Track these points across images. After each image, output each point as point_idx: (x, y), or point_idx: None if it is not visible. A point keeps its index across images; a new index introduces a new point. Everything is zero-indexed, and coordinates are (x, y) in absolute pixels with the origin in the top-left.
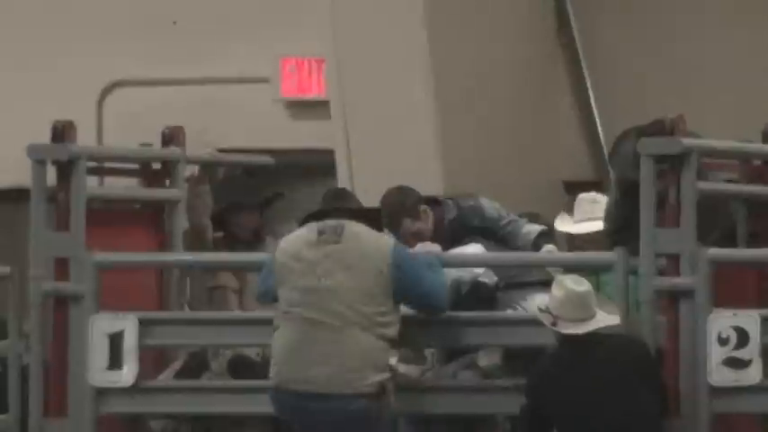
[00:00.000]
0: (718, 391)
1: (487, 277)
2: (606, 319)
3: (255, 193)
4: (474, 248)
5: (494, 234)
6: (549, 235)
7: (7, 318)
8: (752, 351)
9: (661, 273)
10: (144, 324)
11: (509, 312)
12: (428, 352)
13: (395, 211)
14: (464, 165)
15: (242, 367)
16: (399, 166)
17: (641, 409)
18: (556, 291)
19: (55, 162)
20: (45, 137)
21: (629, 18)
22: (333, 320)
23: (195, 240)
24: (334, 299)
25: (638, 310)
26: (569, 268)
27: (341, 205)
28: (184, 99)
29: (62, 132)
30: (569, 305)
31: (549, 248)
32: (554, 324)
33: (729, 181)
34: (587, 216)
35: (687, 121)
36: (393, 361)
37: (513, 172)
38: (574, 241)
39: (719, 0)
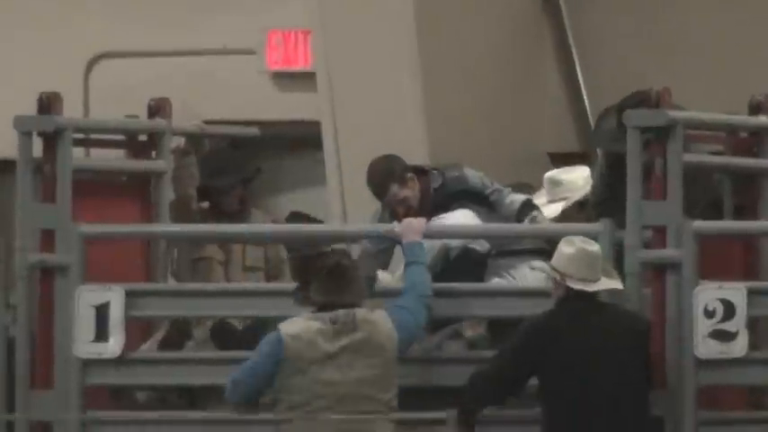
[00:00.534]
0: (704, 364)
1: (478, 244)
2: (610, 283)
3: (240, 166)
4: (462, 214)
5: (485, 200)
6: (532, 205)
7: None
8: (738, 323)
9: (647, 245)
10: (130, 296)
11: (495, 282)
12: None
13: (382, 178)
14: (449, 136)
15: (225, 334)
16: (385, 137)
17: (633, 381)
18: (566, 248)
19: (41, 134)
20: (31, 109)
21: None
22: (362, 413)
23: (181, 212)
24: (360, 390)
25: (624, 283)
26: (555, 239)
27: (343, 293)
28: (171, 71)
29: (48, 104)
30: (579, 263)
31: (534, 216)
32: (561, 281)
33: (715, 153)
34: (550, 198)
35: (672, 94)
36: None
37: (497, 143)
38: None
39: None
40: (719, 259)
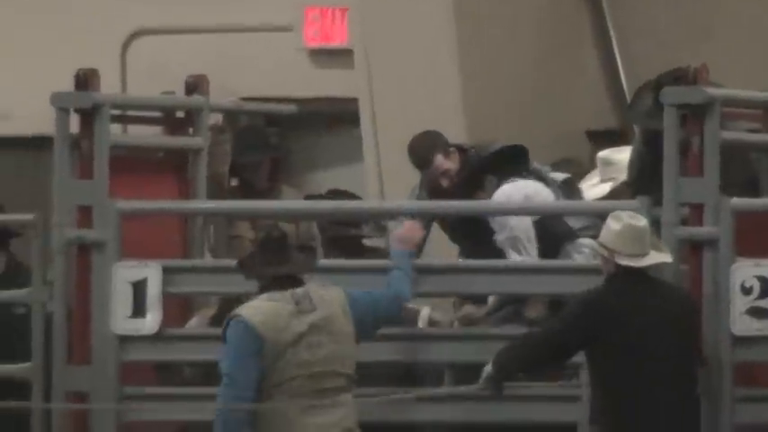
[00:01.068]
0: (740, 341)
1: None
2: (659, 256)
3: (266, 143)
4: (524, 184)
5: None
6: (570, 183)
7: (31, 265)
8: None
9: (683, 222)
10: (167, 272)
11: (552, 261)
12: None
13: (427, 150)
14: (487, 114)
15: None
16: (423, 114)
17: (688, 357)
18: (613, 224)
19: (78, 110)
20: (68, 86)
21: None
22: (330, 388)
23: (214, 189)
24: (326, 367)
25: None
26: (592, 216)
27: (281, 264)
28: (208, 48)
29: (85, 80)
30: (626, 238)
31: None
32: (610, 257)
33: (752, 131)
34: (603, 177)
35: (709, 71)
36: (426, 311)
37: (535, 121)
38: None
39: None
40: (756, 236)
